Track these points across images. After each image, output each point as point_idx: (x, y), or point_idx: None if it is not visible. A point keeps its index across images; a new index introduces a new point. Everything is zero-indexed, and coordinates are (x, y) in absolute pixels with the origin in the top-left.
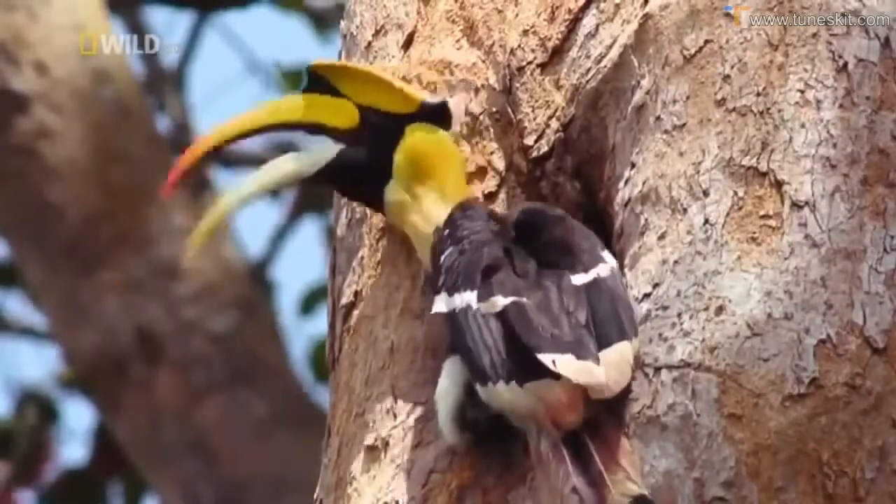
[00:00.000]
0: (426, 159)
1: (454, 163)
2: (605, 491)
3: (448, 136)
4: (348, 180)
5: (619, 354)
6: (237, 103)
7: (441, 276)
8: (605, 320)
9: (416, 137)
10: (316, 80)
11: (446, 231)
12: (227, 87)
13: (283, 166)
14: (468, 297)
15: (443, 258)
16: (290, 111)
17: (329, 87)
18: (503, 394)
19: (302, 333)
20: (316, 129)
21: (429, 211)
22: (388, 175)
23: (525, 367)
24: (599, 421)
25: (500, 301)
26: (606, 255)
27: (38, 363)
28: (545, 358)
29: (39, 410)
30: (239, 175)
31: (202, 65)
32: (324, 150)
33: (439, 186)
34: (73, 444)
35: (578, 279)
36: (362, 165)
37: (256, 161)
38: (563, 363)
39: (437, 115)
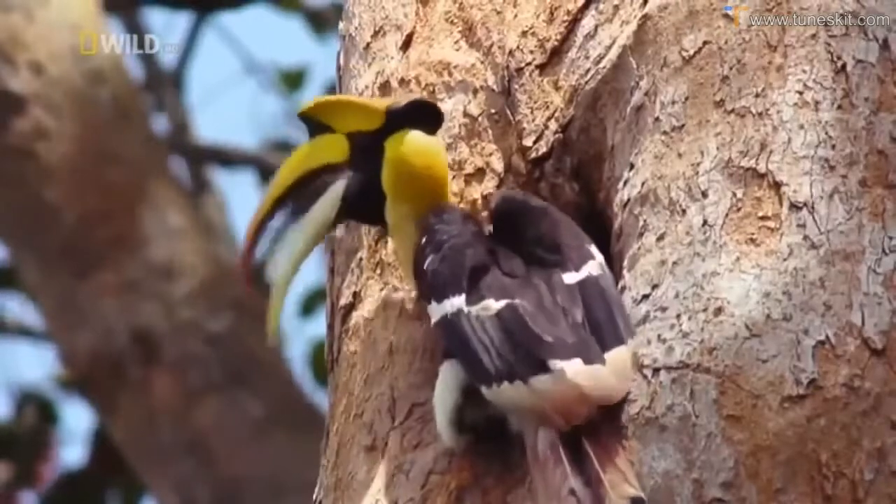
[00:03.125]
0: (405, 177)
1: (433, 179)
2: (603, 492)
3: (427, 147)
4: (361, 210)
5: (618, 359)
6: (235, 103)
7: (426, 284)
8: (602, 323)
9: (394, 155)
10: (312, 123)
11: (424, 239)
12: (225, 87)
13: (310, 224)
14: (457, 302)
15: (425, 266)
16: (298, 166)
17: (323, 126)
18: (509, 393)
19: (301, 335)
20: (324, 171)
21: (409, 238)
22: (383, 195)
23: (528, 364)
24: (596, 422)
25: (493, 304)
26: (594, 250)
27: (37, 364)
28: (553, 366)
29: (39, 412)
30: (236, 175)
31: (200, 65)
32: (334, 191)
33: (418, 209)
34: (72, 446)
35: (570, 277)
36: (363, 191)
37: (253, 160)
38: (573, 370)
39: (416, 117)
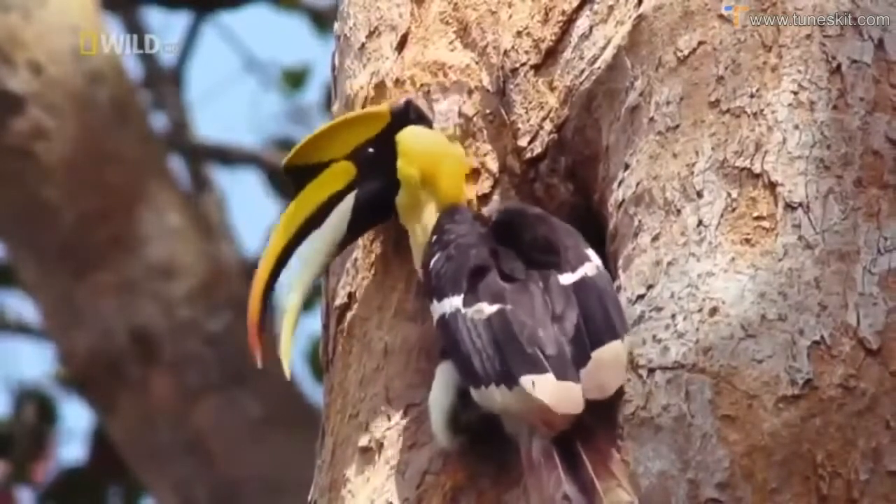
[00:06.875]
0: (420, 155)
1: (449, 164)
2: (596, 498)
3: (438, 135)
4: (374, 213)
5: (611, 354)
6: (235, 101)
7: (431, 281)
8: (596, 320)
9: (407, 141)
10: (298, 173)
11: (434, 237)
12: (225, 86)
13: (318, 245)
14: (455, 302)
15: (432, 263)
16: (297, 215)
17: (313, 168)
18: (495, 397)
19: (300, 332)
20: (330, 204)
21: (427, 221)
22: (398, 186)
23: (510, 372)
24: (591, 428)
25: (486, 308)
26: (591, 252)
27: (36, 362)
28: (525, 381)
29: (38, 409)
30: (236, 173)
31: (200, 63)
32: (342, 207)
33: (434, 194)
34: (71, 444)
35: (566, 278)
36: (377, 191)
37: (253, 159)
38: (542, 385)
39: (411, 116)
